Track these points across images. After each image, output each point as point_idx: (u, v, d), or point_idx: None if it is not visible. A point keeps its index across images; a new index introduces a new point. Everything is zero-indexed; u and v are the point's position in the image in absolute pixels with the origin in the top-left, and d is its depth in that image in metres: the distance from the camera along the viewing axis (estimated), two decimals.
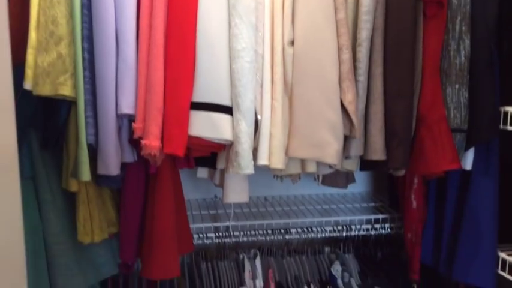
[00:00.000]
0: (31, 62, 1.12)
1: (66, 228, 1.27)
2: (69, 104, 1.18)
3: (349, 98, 1.24)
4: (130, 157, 1.24)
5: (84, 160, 1.13)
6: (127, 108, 1.15)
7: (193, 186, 1.82)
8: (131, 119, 1.19)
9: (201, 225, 1.62)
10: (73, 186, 1.22)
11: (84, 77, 1.13)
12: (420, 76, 1.31)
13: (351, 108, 1.24)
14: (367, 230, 1.71)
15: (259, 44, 1.23)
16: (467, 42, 1.30)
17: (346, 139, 1.29)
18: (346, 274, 1.66)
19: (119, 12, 1.14)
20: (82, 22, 1.13)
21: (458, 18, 1.29)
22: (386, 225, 1.71)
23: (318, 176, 1.61)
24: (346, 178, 1.65)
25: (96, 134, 1.15)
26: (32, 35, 1.12)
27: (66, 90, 1.11)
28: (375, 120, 1.29)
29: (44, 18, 1.11)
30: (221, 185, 1.43)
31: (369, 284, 1.62)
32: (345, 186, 1.66)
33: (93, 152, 1.18)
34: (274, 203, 1.84)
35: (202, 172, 1.52)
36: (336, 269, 1.67)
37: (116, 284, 1.61)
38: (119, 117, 1.17)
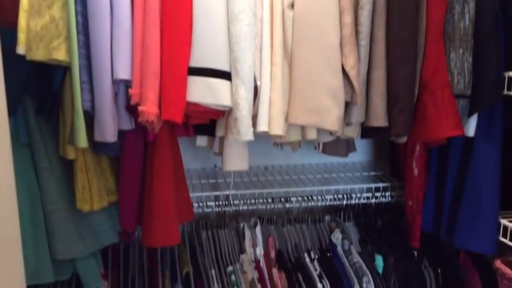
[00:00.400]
0: (23, 26, 1.09)
1: (65, 197, 1.26)
2: (64, 69, 1.16)
3: (350, 63, 1.21)
4: (127, 124, 1.22)
5: (80, 126, 1.11)
6: (123, 73, 1.12)
7: (192, 155, 1.81)
8: (128, 84, 1.16)
9: (200, 194, 1.61)
10: (70, 154, 1.21)
11: (79, 41, 1.10)
12: (423, 41, 1.28)
13: (352, 73, 1.21)
14: (368, 198, 1.71)
15: (258, 7, 1.19)
16: (472, 5, 1.26)
17: (347, 105, 1.27)
18: (346, 242, 1.66)
19: None
20: None
21: None
22: (387, 194, 1.71)
23: (319, 144, 1.59)
24: (347, 146, 1.63)
25: (92, 100, 1.13)
26: None
27: (60, 55, 1.09)
28: (377, 85, 1.26)
29: None
30: (220, 153, 1.42)
31: (369, 251, 1.63)
32: (346, 155, 1.65)
33: (90, 119, 1.16)
34: (274, 172, 1.83)
35: (202, 140, 1.51)
36: (336, 236, 1.67)
37: (116, 252, 1.62)
38: (115, 82, 1.14)
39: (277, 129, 1.21)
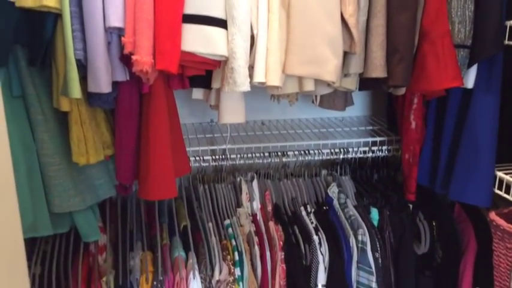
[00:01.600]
0: None
1: (60, 150, 1.25)
2: (55, 16, 1.12)
3: (350, 11, 1.18)
4: (121, 75, 1.19)
5: (73, 76, 1.09)
6: (116, 20, 1.09)
7: (188, 110, 1.79)
8: (121, 33, 1.13)
9: (197, 148, 1.60)
10: (64, 106, 1.19)
11: None
12: None
13: (351, 22, 1.18)
14: (365, 152, 1.70)
15: None
16: None
17: (346, 55, 1.25)
18: (342, 195, 1.67)
19: None
20: None
21: None
22: (384, 148, 1.70)
23: (316, 97, 1.57)
24: (345, 100, 1.62)
25: (85, 49, 1.10)
26: None
27: (50, 1, 1.05)
28: (376, 34, 1.24)
29: None
30: (217, 106, 1.40)
31: (365, 205, 1.64)
32: (343, 109, 1.63)
33: (84, 69, 1.13)
34: (271, 127, 1.82)
35: (198, 93, 1.48)
36: (333, 190, 1.68)
37: (114, 205, 1.62)
38: (108, 31, 1.11)
39: (275, 80, 1.19)
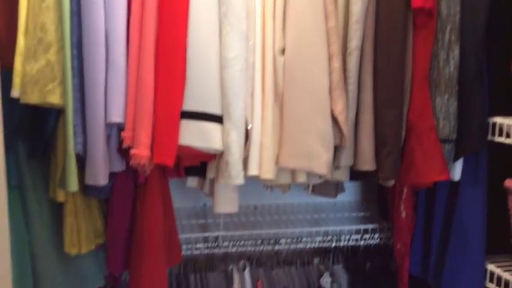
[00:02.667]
0: (19, 70, 1.10)
1: (52, 240, 1.25)
2: (57, 112, 1.17)
3: (339, 108, 1.24)
4: (119, 166, 1.22)
5: (72, 170, 1.11)
6: (116, 116, 1.14)
7: (182, 194, 1.80)
8: (120, 127, 1.18)
9: (189, 235, 1.60)
10: (60, 197, 1.20)
11: (73, 84, 1.11)
12: (410, 85, 1.32)
13: (341, 118, 1.24)
14: (357, 240, 1.71)
15: (250, 52, 1.22)
16: (457, 52, 1.31)
17: (336, 149, 1.29)
18: (335, 285, 1.65)
19: (109, 19, 1.13)
20: (71, 28, 1.11)
21: (448, 28, 1.30)
22: (376, 236, 1.71)
23: (308, 185, 1.60)
24: (336, 187, 1.64)
25: (85, 143, 1.13)
26: (21, 42, 1.10)
27: (54, 99, 1.10)
28: (364, 129, 1.29)
29: (32, 24, 1.10)
30: (211, 194, 1.42)
31: None
32: (335, 196, 1.66)
33: (81, 161, 1.16)
34: (264, 212, 1.83)
35: (192, 181, 1.51)
36: (326, 280, 1.66)
37: None
38: (108, 125, 1.16)
39: (268, 173, 1.23)
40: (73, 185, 1.12)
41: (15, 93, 1.10)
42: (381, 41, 1.28)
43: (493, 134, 1.33)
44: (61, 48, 1.10)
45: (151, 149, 1.14)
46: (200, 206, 1.83)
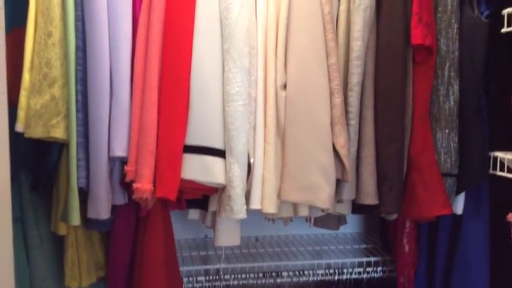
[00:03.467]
0: (24, 104, 1.12)
1: (53, 273, 1.25)
2: (60, 146, 1.18)
3: (341, 142, 1.25)
4: (121, 199, 1.23)
5: (74, 205, 1.12)
6: (120, 150, 1.15)
7: (183, 225, 1.79)
8: (123, 160, 1.18)
9: (191, 267, 1.58)
10: (62, 230, 1.20)
11: (77, 119, 1.13)
12: (410, 120, 1.33)
13: (343, 152, 1.25)
14: (359, 273, 1.69)
15: (252, 87, 1.24)
16: (456, 87, 1.33)
17: (339, 183, 1.29)
18: None
19: (114, 55, 1.16)
20: (76, 64, 1.14)
21: (447, 64, 1.32)
22: (379, 269, 1.69)
23: (310, 218, 1.60)
24: (338, 220, 1.64)
25: (88, 177, 1.14)
26: (26, 77, 1.12)
27: (58, 133, 1.11)
28: (366, 164, 1.30)
29: (38, 60, 1.12)
30: (213, 227, 1.41)
31: None
32: (337, 228, 1.65)
33: (84, 194, 1.16)
34: (266, 244, 1.82)
35: (194, 214, 1.50)
36: None
37: None
38: (111, 159, 1.16)
39: (270, 206, 1.23)
40: (75, 219, 1.12)
41: (19, 127, 1.12)
42: (381, 77, 1.29)
43: (495, 168, 1.33)
44: (66, 83, 1.13)
45: (154, 183, 1.15)
46: (201, 238, 1.82)
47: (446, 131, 1.32)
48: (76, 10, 1.13)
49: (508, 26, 1.27)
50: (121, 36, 1.15)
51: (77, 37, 1.13)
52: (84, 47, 1.14)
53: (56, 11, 1.12)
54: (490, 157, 1.34)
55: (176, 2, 1.19)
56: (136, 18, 1.19)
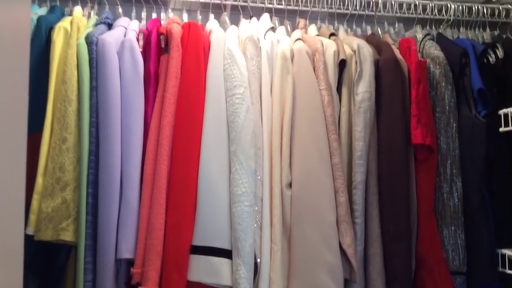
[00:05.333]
0: (35, 208, 1.14)
1: None
2: (68, 247, 1.19)
3: (347, 241, 1.25)
4: None
5: None
6: (127, 252, 1.16)
7: None
8: (130, 261, 1.18)
9: None
10: None
11: (87, 221, 1.15)
12: (416, 217, 1.34)
13: (349, 252, 1.24)
14: None
15: (258, 186, 1.26)
16: (459, 184, 1.35)
17: (347, 282, 1.28)
18: None
19: (125, 158, 1.20)
20: (89, 168, 1.17)
21: (449, 161, 1.35)
22: None
23: None
24: None
25: (94, 280, 1.14)
26: (39, 181, 1.16)
27: (67, 236, 1.13)
28: (374, 263, 1.29)
29: (52, 165, 1.16)
30: None
31: None
32: None
33: None
34: None
35: None
36: None
37: None
38: (118, 261, 1.17)
39: None
40: None
41: (29, 230, 1.13)
42: (384, 175, 1.32)
43: (504, 266, 1.31)
44: (77, 186, 1.16)
45: (160, 285, 1.14)
46: None
47: (453, 228, 1.33)
48: (91, 117, 1.18)
49: (506, 125, 1.32)
50: (133, 141, 1.20)
51: (90, 142, 1.18)
52: (97, 151, 1.19)
53: (72, 118, 1.17)
54: (498, 254, 1.33)
55: (186, 107, 1.25)
56: (148, 122, 1.25)
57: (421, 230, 1.33)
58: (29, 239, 1.13)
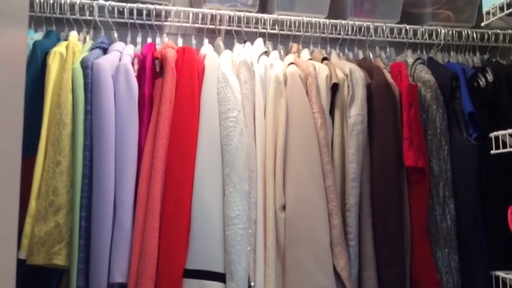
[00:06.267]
0: (28, 232, 1.13)
1: None
2: (61, 271, 1.18)
3: (341, 264, 1.25)
4: None
5: None
6: (120, 276, 1.15)
7: None
8: (122, 285, 1.18)
9: None
10: None
11: (80, 245, 1.14)
12: (410, 239, 1.34)
13: (344, 275, 1.24)
14: None
15: (252, 209, 1.26)
16: (452, 206, 1.36)
17: None
18: None
19: (119, 181, 1.20)
20: (82, 191, 1.17)
21: (441, 183, 1.36)
22: None
23: None
24: None
25: None
26: (32, 205, 1.15)
27: (60, 260, 1.12)
28: (368, 286, 1.28)
29: (45, 188, 1.16)
30: None
31: None
32: None
33: None
34: None
35: None
36: None
37: None
38: (110, 285, 1.16)
39: None
40: None
41: (22, 255, 1.12)
42: (377, 198, 1.33)
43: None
44: (70, 210, 1.16)
45: None
46: None
47: (446, 250, 1.33)
48: (85, 140, 1.19)
49: (496, 148, 1.34)
50: (127, 164, 1.21)
51: (84, 165, 1.18)
52: (91, 174, 1.19)
53: (66, 142, 1.18)
54: (491, 276, 1.33)
55: (180, 130, 1.26)
56: (142, 145, 1.26)
57: (414, 252, 1.33)
58: (21, 263, 1.12)
